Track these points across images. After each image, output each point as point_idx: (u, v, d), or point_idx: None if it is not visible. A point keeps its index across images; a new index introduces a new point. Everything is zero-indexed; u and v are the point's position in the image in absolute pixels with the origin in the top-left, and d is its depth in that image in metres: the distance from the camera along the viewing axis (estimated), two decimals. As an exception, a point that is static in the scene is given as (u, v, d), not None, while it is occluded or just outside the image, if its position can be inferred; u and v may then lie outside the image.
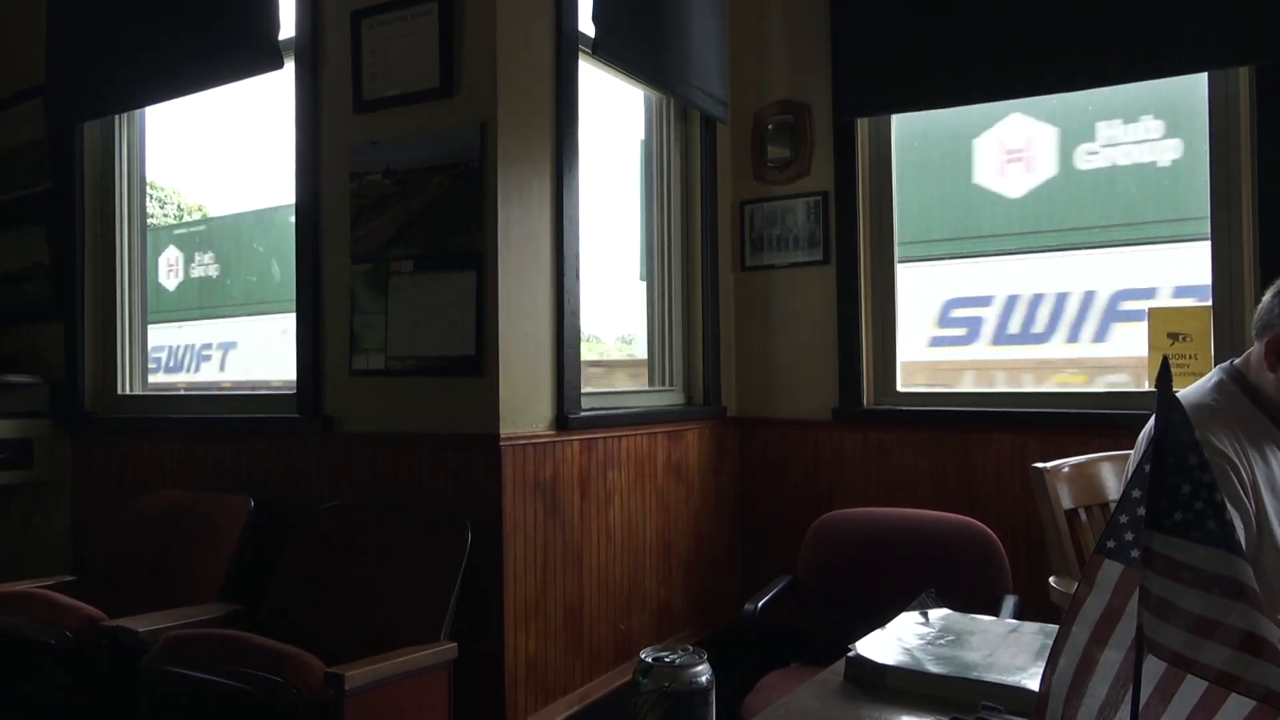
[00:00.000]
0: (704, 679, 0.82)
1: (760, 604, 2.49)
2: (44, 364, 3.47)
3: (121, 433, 3.29)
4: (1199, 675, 0.57)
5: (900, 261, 3.28)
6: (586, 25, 2.70)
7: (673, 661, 0.82)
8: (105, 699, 2.28)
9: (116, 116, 3.44)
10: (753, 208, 3.50)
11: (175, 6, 3.04)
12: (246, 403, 3.11)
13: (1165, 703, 0.60)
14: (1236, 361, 1.78)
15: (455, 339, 2.45)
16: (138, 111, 3.46)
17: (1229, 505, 1.20)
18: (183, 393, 3.58)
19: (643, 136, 3.38)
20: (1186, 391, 1.78)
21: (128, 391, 3.43)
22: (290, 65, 2.81)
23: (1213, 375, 1.79)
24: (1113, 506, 1.93)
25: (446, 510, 2.42)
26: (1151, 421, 1.70)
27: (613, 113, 3.35)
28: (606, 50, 2.70)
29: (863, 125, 3.32)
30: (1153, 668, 0.60)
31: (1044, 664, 0.68)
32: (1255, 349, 1.73)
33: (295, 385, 2.80)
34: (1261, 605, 0.55)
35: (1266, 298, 1.72)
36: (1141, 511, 0.59)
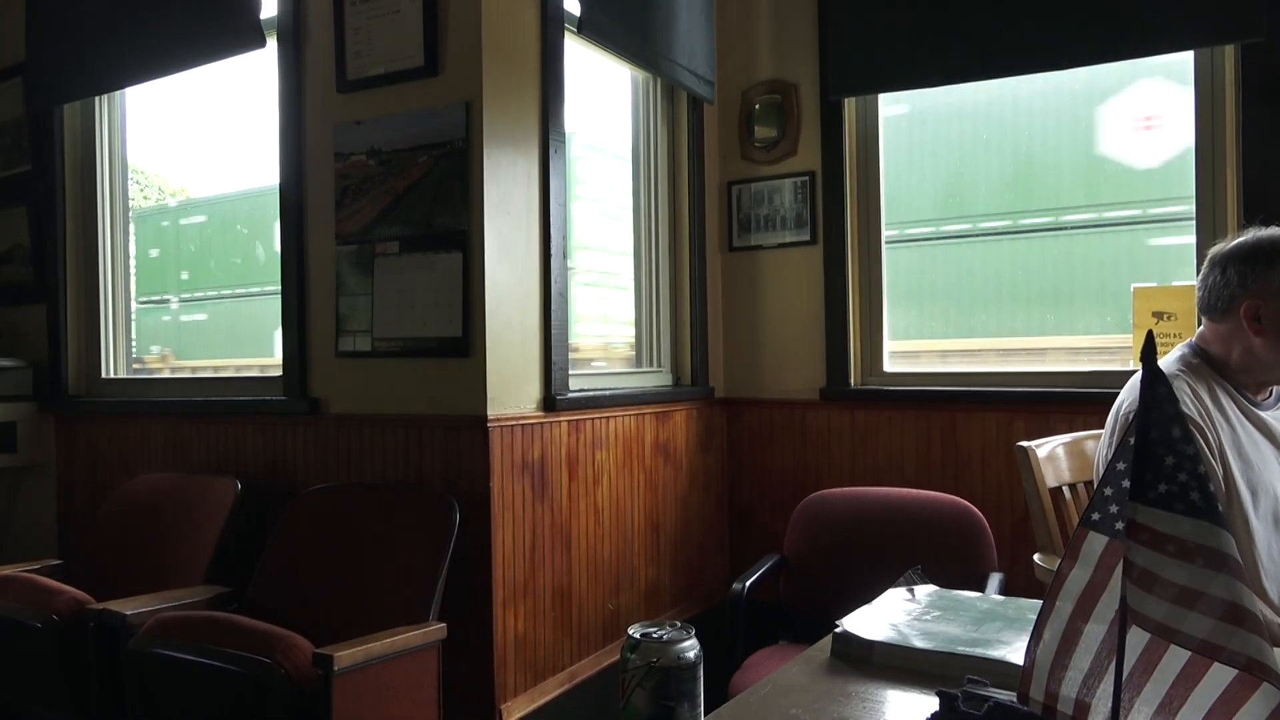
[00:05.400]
0: (692, 654, 0.82)
1: (748, 583, 2.50)
2: (27, 347, 3.44)
3: (107, 416, 3.27)
4: (1182, 645, 0.58)
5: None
6: (572, 3, 2.67)
7: (660, 637, 0.82)
8: (92, 682, 2.28)
9: (97, 98, 3.40)
10: (740, 188, 3.49)
11: (155, -16, 3.01)
12: (232, 385, 3.09)
13: (1149, 673, 0.60)
14: (1194, 340, 1.83)
15: (442, 320, 2.44)
16: (118, 93, 3.43)
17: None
18: (168, 376, 3.56)
19: (629, 116, 3.37)
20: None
21: (112, 375, 3.41)
22: (273, 45, 2.78)
23: (1175, 350, 1.86)
24: (1098, 482, 1.95)
25: (434, 491, 2.42)
26: (1121, 396, 1.73)
27: (599, 92, 3.32)
28: (592, 28, 2.68)
29: (850, 105, 3.31)
30: (1136, 639, 0.61)
31: (1028, 638, 0.69)
32: (1209, 327, 1.79)
33: (281, 367, 2.79)
34: (1243, 575, 0.55)
35: (1211, 276, 1.77)
36: (1126, 484, 0.60)
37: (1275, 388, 1.79)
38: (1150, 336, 0.58)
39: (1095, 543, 0.63)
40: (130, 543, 2.80)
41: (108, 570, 2.75)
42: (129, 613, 2.22)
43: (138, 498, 2.90)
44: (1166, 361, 1.82)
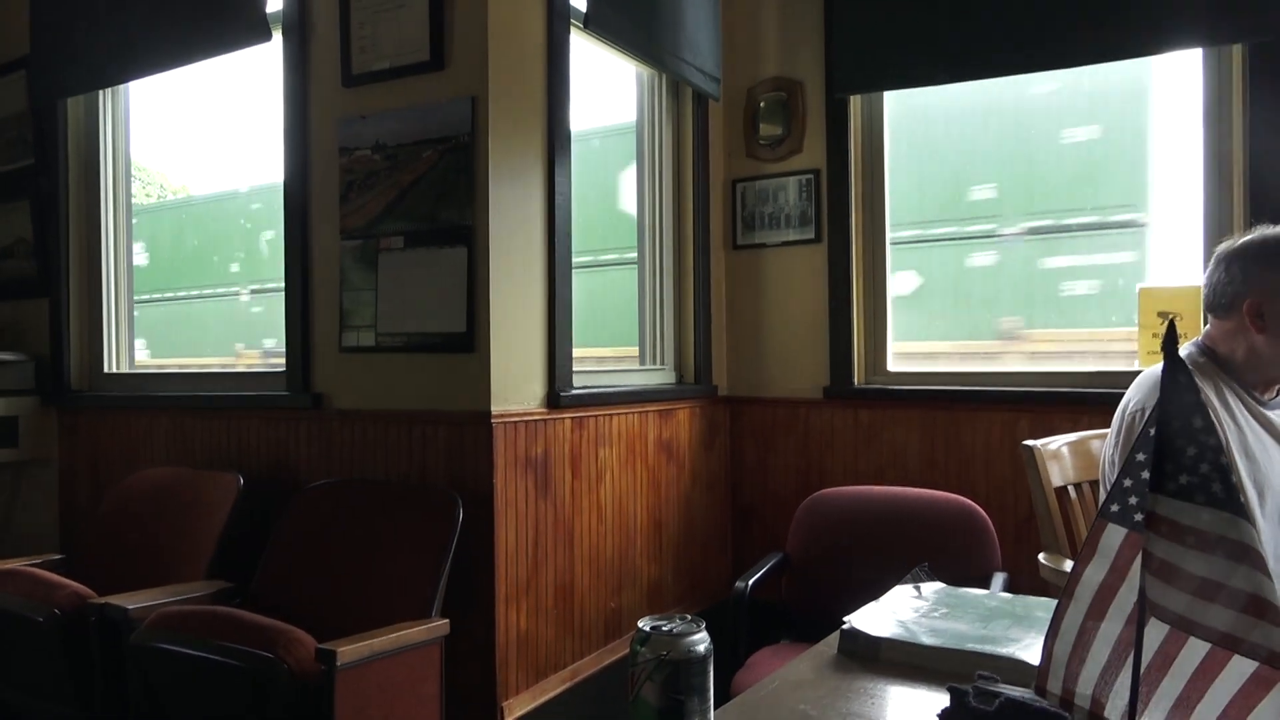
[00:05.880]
0: (702, 647, 0.81)
1: (751, 581, 2.50)
2: (29, 341, 3.44)
3: (109, 410, 3.27)
4: (1202, 638, 0.57)
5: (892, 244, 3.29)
6: (578, -1, 2.67)
7: (671, 630, 0.82)
8: (95, 676, 2.27)
9: (101, 93, 3.39)
10: (744, 185, 3.48)
11: (160, -22, 3.00)
12: (235, 380, 3.09)
13: (1166, 667, 0.60)
14: (1200, 339, 1.82)
15: (446, 315, 2.44)
16: (122, 88, 3.42)
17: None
18: (171, 371, 3.55)
19: (635, 113, 3.36)
20: (1156, 366, 1.82)
21: (115, 369, 3.41)
22: (278, 39, 2.77)
23: (1181, 349, 1.84)
24: (1104, 483, 1.94)
25: (437, 487, 2.41)
26: (1127, 395, 1.73)
27: (605, 88, 3.32)
28: (599, 24, 2.68)
29: (855, 103, 3.30)
30: (1155, 632, 0.60)
31: (1037, 635, 0.68)
32: (1215, 325, 1.80)
33: (285, 362, 2.79)
34: (1265, 568, 0.55)
35: (1216, 274, 1.78)
36: (1145, 475, 0.59)
37: None
38: (1172, 325, 0.57)
39: (1114, 535, 0.62)
40: (132, 537, 2.79)
41: (110, 565, 2.74)
42: (131, 607, 2.21)
43: (140, 492, 2.90)
44: None
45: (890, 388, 3.23)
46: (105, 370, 3.39)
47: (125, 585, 2.43)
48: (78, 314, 3.40)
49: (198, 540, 2.64)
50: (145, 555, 2.71)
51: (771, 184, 3.43)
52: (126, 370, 3.43)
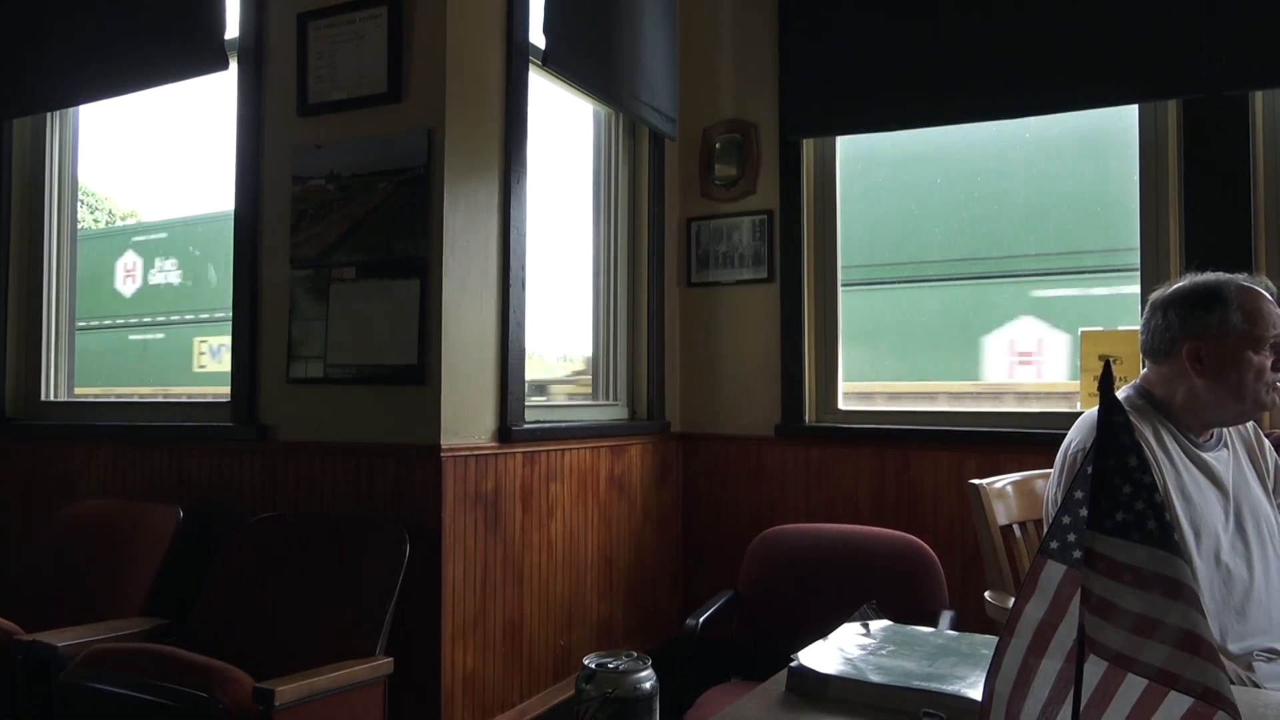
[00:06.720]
0: (648, 685, 0.81)
1: (702, 619, 2.48)
2: (-37, 368, 3.33)
3: (45, 439, 3.17)
4: (1139, 674, 0.58)
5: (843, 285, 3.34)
6: (537, 36, 2.69)
7: (616, 667, 0.81)
8: (20, 717, 2.18)
9: (48, 115, 3.33)
10: (699, 224, 3.52)
11: (116, 1, 2.97)
12: (178, 410, 3.02)
13: (1106, 702, 0.61)
14: (1138, 382, 1.86)
15: (397, 347, 2.41)
16: (70, 110, 3.36)
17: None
18: (111, 400, 3.46)
19: (591, 151, 3.39)
20: (1096, 407, 1.87)
21: (53, 398, 3.31)
22: (233, 66, 2.76)
23: (1120, 392, 1.89)
24: (1047, 522, 1.97)
25: (384, 521, 2.37)
26: (1069, 436, 1.75)
27: (562, 126, 3.34)
28: (557, 62, 2.70)
29: (808, 146, 3.37)
30: (1094, 669, 0.61)
31: (982, 673, 0.69)
32: (1152, 370, 1.84)
33: (229, 393, 2.73)
34: (1199, 604, 0.56)
35: (1153, 320, 1.82)
36: (1084, 513, 0.60)
37: (1216, 429, 1.83)
38: (1108, 366, 0.58)
39: (1053, 571, 0.63)
40: (65, 571, 2.70)
41: (40, 600, 2.64)
42: (60, 644, 2.13)
43: (74, 524, 2.80)
44: None
45: (841, 426, 3.26)
46: (42, 398, 3.30)
47: (56, 621, 2.34)
48: (15, 341, 3.30)
49: (134, 575, 2.56)
50: (78, 590, 2.62)
51: (726, 223, 3.47)
52: (65, 399, 3.34)
